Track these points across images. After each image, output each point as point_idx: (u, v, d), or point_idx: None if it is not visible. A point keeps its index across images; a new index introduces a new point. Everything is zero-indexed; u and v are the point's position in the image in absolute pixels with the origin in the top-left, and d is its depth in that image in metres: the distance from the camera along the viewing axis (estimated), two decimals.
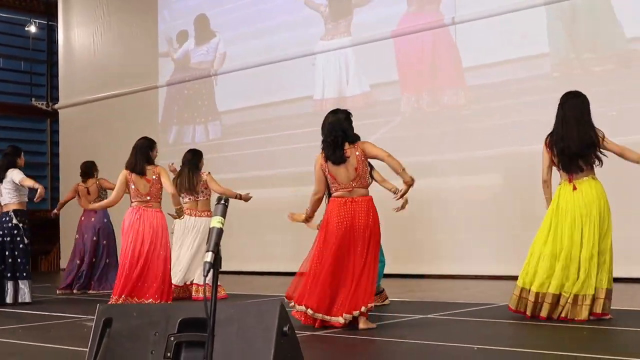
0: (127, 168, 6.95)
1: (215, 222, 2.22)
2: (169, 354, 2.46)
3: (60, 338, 5.29)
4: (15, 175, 7.63)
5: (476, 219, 9.23)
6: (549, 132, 5.52)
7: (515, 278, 5.70)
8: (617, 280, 5.60)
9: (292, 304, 5.41)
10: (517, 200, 8.89)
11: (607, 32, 8.51)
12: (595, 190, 5.38)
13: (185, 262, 7.66)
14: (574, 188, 5.40)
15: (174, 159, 9.34)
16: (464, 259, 9.26)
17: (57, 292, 8.98)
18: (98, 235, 9.14)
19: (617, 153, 5.43)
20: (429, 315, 5.95)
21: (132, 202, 6.99)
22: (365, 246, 5.27)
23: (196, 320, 2.51)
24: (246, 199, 7.73)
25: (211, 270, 2.12)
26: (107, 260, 9.13)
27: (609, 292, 5.30)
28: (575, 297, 5.29)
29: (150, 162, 6.97)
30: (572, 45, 8.73)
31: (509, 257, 8.91)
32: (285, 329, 2.53)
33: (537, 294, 5.37)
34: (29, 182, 7.63)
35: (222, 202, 2.30)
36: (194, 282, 7.67)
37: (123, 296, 6.75)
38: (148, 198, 6.92)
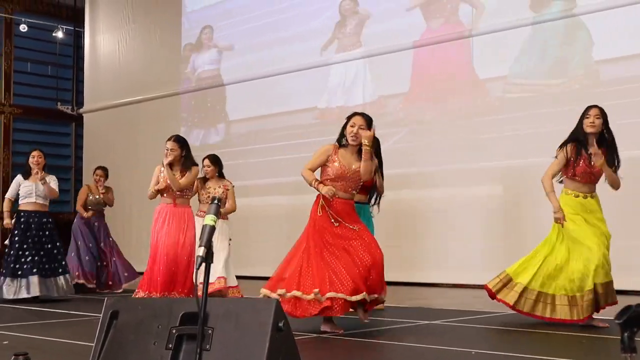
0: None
1: (209, 220, 2.41)
2: (170, 345, 2.63)
3: (77, 334, 5.46)
4: (53, 189, 8.05)
5: (483, 228, 9.31)
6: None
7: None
8: (618, 293, 5.67)
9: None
10: (524, 211, 8.97)
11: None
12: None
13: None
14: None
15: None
16: (470, 268, 9.32)
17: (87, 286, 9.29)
18: (102, 237, 9.44)
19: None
20: (431, 322, 6.05)
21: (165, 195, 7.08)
22: None
23: (197, 314, 2.68)
24: None
25: (203, 264, 2.30)
26: (120, 260, 9.42)
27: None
28: None
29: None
30: (580, 60, 8.83)
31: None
32: (281, 324, 2.70)
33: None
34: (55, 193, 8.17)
35: (216, 202, 2.49)
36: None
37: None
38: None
